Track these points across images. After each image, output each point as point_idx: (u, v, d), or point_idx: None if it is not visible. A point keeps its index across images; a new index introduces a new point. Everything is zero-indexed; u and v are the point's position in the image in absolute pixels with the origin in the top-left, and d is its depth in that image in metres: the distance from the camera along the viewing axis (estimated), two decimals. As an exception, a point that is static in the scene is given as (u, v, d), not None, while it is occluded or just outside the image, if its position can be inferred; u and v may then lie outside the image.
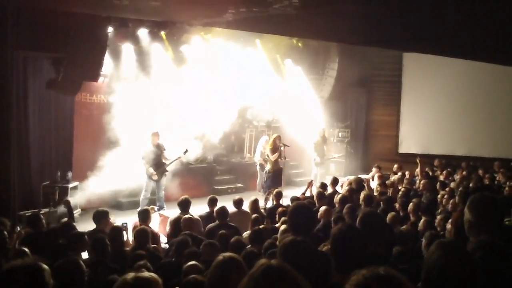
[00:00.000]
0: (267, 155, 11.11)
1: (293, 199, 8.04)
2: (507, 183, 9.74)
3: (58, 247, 5.18)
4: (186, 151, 10.30)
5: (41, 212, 7.73)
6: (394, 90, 15.86)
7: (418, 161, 11.33)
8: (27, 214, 7.50)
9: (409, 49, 11.76)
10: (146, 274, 2.27)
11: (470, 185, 9.26)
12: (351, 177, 10.55)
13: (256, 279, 1.75)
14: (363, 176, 11.04)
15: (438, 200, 8.16)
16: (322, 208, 6.69)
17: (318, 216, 6.51)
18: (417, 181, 10.44)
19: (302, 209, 3.74)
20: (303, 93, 14.39)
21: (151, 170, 9.84)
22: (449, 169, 12.03)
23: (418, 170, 11.22)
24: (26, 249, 4.46)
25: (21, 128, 8.82)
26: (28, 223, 6.28)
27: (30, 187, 9.26)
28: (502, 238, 2.70)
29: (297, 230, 3.54)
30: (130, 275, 2.21)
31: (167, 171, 10.24)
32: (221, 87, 12.36)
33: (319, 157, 12.82)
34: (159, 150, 10.01)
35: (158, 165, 9.99)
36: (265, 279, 1.74)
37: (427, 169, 11.61)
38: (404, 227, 6.08)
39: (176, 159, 10.26)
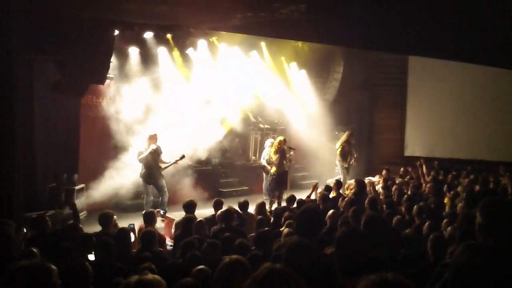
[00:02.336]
0: (271, 157, 11.09)
1: (299, 202, 8.05)
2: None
3: (63, 249, 5.20)
4: (183, 156, 10.20)
5: (46, 214, 7.75)
6: (399, 93, 15.85)
7: (417, 164, 11.27)
8: (32, 216, 7.53)
9: (415, 53, 11.77)
10: (149, 276, 2.30)
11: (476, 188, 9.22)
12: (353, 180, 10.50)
13: (259, 282, 1.77)
14: (372, 179, 11.00)
15: (445, 203, 8.14)
16: (330, 212, 6.69)
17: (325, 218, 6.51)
18: (423, 185, 10.41)
19: (309, 212, 3.75)
20: (308, 96, 14.39)
21: (143, 172, 9.77)
22: (453, 173, 11.99)
23: (420, 173, 11.18)
24: (35, 250, 4.49)
25: (27, 130, 8.84)
26: (33, 224, 6.30)
27: (36, 189, 9.28)
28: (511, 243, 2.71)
29: (303, 232, 3.55)
30: (134, 278, 2.24)
31: (161, 175, 9.99)
32: (227, 89, 12.39)
33: (345, 162, 12.59)
34: (156, 153, 9.81)
35: (154, 168, 9.82)
36: (267, 282, 1.76)
37: (432, 172, 11.55)
38: (408, 230, 6.07)
39: (172, 163, 10.11)
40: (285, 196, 9.85)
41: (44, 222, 6.13)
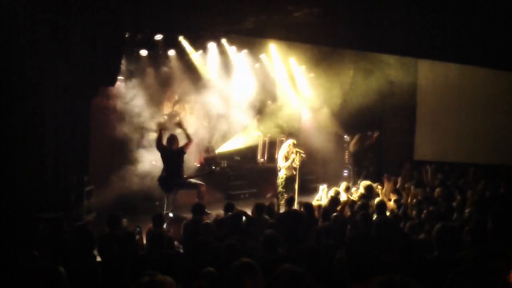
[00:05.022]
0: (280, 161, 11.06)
1: (306, 206, 7.99)
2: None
3: (71, 250, 5.20)
4: (212, 171, 10.09)
5: (56, 215, 7.79)
6: (409, 97, 15.74)
7: (424, 170, 11.21)
8: (42, 218, 7.56)
9: (426, 56, 11.72)
10: (161, 277, 2.29)
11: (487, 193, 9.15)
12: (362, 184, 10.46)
13: (278, 283, 1.77)
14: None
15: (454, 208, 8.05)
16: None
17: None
18: (426, 189, 10.36)
19: (291, 218, 3.66)
20: (316, 99, 14.35)
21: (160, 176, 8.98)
22: (466, 178, 11.90)
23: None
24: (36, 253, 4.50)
25: (37, 132, 8.89)
26: (43, 226, 6.32)
27: (46, 190, 9.32)
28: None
29: (288, 239, 3.46)
30: (145, 278, 2.23)
31: (185, 183, 9.03)
32: (236, 92, 12.39)
33: (357, 166, 12.59)
34: (179, 157, 8.88)
35: (176, 175, 8.89)
36: (286, 284, 1.76)
37: (439, 175, 11.49)
38: (420, 235, 6.02)
39: (199, 175, 9.73)
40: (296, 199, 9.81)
41: (54, 223, 6.16)
